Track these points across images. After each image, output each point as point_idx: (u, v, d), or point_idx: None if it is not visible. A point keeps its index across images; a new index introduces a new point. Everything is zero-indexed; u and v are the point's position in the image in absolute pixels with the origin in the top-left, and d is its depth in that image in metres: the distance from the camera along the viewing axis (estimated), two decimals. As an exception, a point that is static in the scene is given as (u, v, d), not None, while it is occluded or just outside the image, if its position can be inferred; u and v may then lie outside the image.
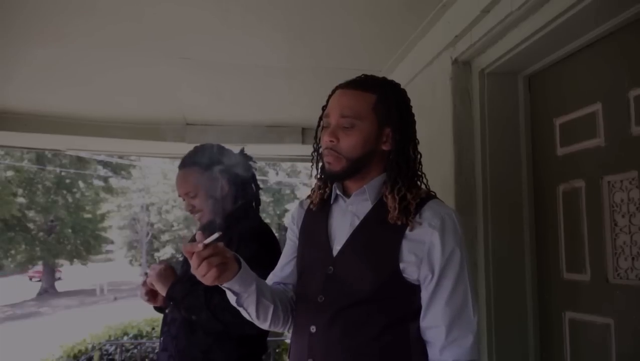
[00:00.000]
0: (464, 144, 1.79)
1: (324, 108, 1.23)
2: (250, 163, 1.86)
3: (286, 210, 21.65)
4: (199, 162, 1.74)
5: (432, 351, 1.10)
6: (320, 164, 1.25)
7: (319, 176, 1.27)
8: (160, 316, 1.78)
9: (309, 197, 1.31)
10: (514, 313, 1.70)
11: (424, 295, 1.12)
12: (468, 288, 1.12)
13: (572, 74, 1.57)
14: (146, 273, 1.72)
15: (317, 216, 1.25)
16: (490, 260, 1.71)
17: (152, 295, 1.71)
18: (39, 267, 22.77)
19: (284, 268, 1.33)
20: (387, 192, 1.15)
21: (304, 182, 18.87)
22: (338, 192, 1.22)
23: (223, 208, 1.75)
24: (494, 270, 1.71)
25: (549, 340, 1.67)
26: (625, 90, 1.36)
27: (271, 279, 1.34)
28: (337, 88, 1.23)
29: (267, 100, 3.01)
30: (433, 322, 1.10)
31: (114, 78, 2.60)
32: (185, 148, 3.41)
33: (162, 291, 1.63)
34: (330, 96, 1.23)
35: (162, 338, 1.72)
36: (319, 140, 1.24)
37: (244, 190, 1.81)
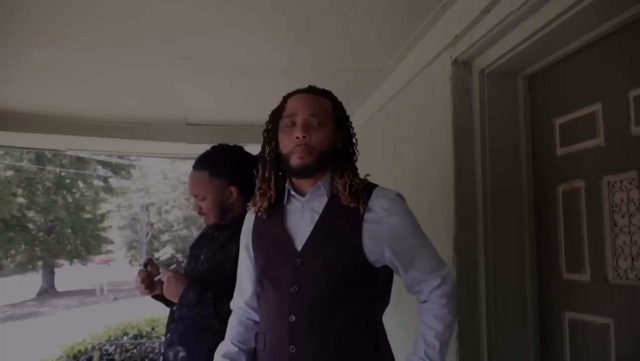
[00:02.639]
0: (464, 144, 1.79)
1: (277, 114, 1.33)
2: None
3: (286, 210, 21.54)
4: (210, 165, 1.75)
5: (422, 296, 1.29)
6: (270, 166, 1.33)
7: (262, 180, 1.34)
8: (161, 315, 1.79)
9: (254, 205, 1.37)
10: (514, 313, 1.70)
11: (400, 263, 1.26)
12: (429, 242, 1.31)
13: (572, 74, 1.57)
14: (146, 265, 1.73)
15: (270, 220, 1.33)
16: (490, 260, 1.71)
17: (149, 285, 1.71)
18: (105, 255, 22.69)
19: (250, 286, 1.40)
20: (337, 178, 1.28)
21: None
22: (292, 192, 1.32)
23: (231, 213, 1.76)
24: (494, 270, 1.71)
25: (549, 340, 1.67)
26: (625, 90, 1.36)
27: (239, 306, 1.42)
28: (291, 95, 1.35)
29: (267, 100, 2.98)
30: (416, 279, 1.28)
31: (114, 78, 2.60)
32: (185, 148, 3.45)
33: (174, 295, 1.64)
34: (284, 102, 1.35)
35: (168, 335, 1.73)
36: (275, 142, 1.32)
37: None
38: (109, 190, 23.70)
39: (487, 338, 1.68)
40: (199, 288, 1.61)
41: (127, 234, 27.50)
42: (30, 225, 20.63)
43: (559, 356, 1.60)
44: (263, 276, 1.35)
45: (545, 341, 1.69)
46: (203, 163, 1.77)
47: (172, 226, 25.42)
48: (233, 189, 1.75)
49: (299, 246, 1.26)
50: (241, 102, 3.04)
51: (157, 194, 25.72)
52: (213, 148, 1.82)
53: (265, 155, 1.35)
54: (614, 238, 1.40)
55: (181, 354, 1.66)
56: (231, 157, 1.79)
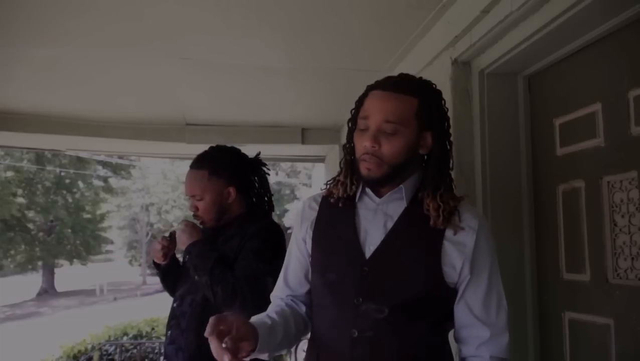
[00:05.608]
0: (464, 144, 1.79)
1: (356, 109, 1.17)
2: (264, 169, 1.89)
3: (286, 211, 21.59)
4: (209, 165, 1.75)
5: (467, 349, 1.13)
6: (347, 167, 1.19)
7: (342, 172, 1.20)
8: (161, 315, 1.80)
9: (328, 190, 1.23)
10: (514, 313, 1.69)
11: (463, 295, 1.12)
12: (501, 288, 1.15)
13: (572, 74, 1.57)
14: (171, 235, 1.80)
15: (340, 213, 1.18)
16: (490, 260, 1.71)
17: (165, 254, 1.79)
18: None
19: (300, 281, 1.25)
20: (428, 199, 1.11)
21: (303, 182, 18.86)
22: (368, 190, 1.17)
23: (229, 214, 1.77)
24: (493, 270, 1.71)
25: (549, 340, 1.67)
26: (625, 90, 1.36)
27: (283, 290, 1.27)
28: (374, 88, 1.16)
29: (267, 100, 3.00)
30: (470, 321, 1.12)
31: (114, 78, 2.60)
32: (185, 148, 3.45)
33: (183, 243, 1.70)
34: (364, 96, 1.17)
35: (169, 332, 1.73)
36: (351, 143, 1.17)
37: (254, 197, 1.84)
38: (109, 190, 23.71)
39: (487, 338, 1.68)
40: (209, 245, 1.67)
41: (127, 234, 27.48)
42: (30, 225, 20.65)
43: (559, 356, 1.60)
44: (320, 277, 1.17)
45: (545, 341, 1.69)
46: (202, 162, 1.77)
47: (172, 226, 25.37)
48: (231, 189, 1.75)
49: (367, 252, 1.11)
50: (241, 102, 3.04)
51: (157, 194, 25.68)
52: (212, 148, 1.83)
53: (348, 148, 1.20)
54: (614, 238, 1.40)
55: (182, 349, 1.66)
56: (231, 158, 1.80)
